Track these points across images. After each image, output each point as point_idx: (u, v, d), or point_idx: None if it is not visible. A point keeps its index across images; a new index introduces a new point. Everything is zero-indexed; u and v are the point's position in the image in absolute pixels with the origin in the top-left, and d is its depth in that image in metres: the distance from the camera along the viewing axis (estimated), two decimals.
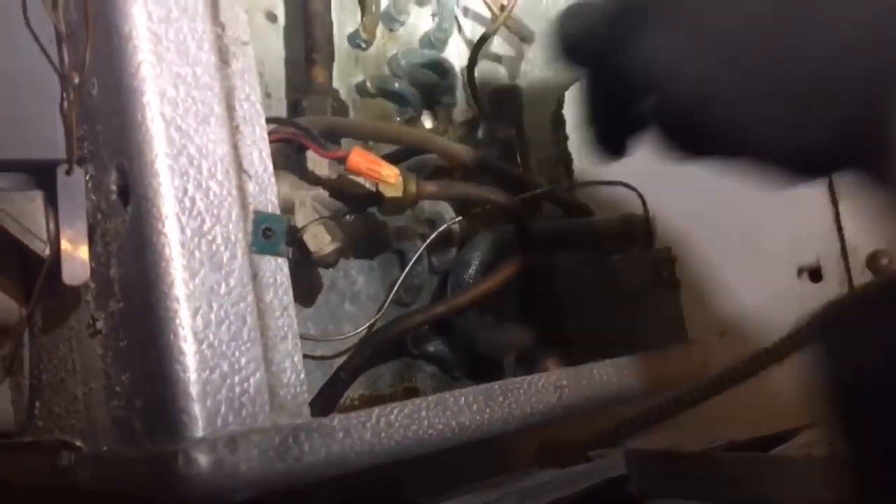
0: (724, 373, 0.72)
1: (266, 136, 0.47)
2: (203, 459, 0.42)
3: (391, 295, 0.64)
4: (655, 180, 0.78)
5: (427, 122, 0.81)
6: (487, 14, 0.82)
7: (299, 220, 0.56)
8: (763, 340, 0.70)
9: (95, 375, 0.51)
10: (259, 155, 0.47)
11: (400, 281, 0.64)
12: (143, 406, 0.46)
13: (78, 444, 0.54)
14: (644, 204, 0.69)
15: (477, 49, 0.69)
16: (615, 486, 0.78)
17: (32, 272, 0.60)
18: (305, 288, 0.67)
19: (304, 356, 0.68)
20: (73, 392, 0.55)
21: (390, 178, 0.52)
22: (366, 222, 0.71)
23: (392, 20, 0.79)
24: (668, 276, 0.68)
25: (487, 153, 0.69)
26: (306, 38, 0.63)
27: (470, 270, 0.65)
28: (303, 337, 0.66)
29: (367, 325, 0.65)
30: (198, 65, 0.46)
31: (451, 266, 0.67)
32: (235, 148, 0.46)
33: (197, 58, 0.46)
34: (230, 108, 0.47)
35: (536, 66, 0.79)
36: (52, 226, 0.49)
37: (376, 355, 0.67)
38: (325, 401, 0.62)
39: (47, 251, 0.49)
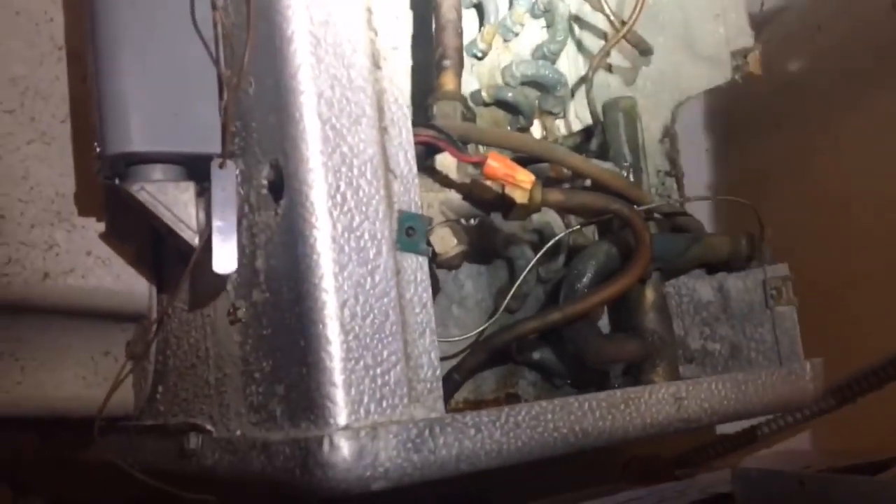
0: (834, 391, 0.71)
1: (412, 139, 0.49)
2: (346, 446, 0.44)
3: (504, 303, 0.65)
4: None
5: (536, 132, 0.82)
6: (601, 25, 0.83)
7: None
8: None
9: (232, 362, 0.54)
10: (405, 156, 0.49)
11: (514, 288, 0.64)
12: (286, 392, 0.47)
13: (208, 427, 0.56)
14: (760, 221, 0.69)
15: (596, 63, 0.70)
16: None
17: (169, 261, 0.63)
18: None
19: None
20: (205, 377, 0.58)
21: (526, 183, 0.53)
22: (479, 229, 0.72)
23: (507, 31, 0.80)
24: (783, 295, 0.67)
25: (606, 167, 0.70)
26: (437, 45, 0.64)
27: (584, 280, 0.65)
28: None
29: (479, 329, 0.66)
30: (352, 67, 0.48)
31: (564, 275, 0.68)
32: (384, 148, 0.48)
33: (352, 60, 0.48)
34: (380, 110, 0.48)
35: (651, 79, 0.79)
36: (202, 216, 0.52)
37: (490, 358, 0.68)
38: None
39: (196, 240, 0.51)
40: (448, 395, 0.65)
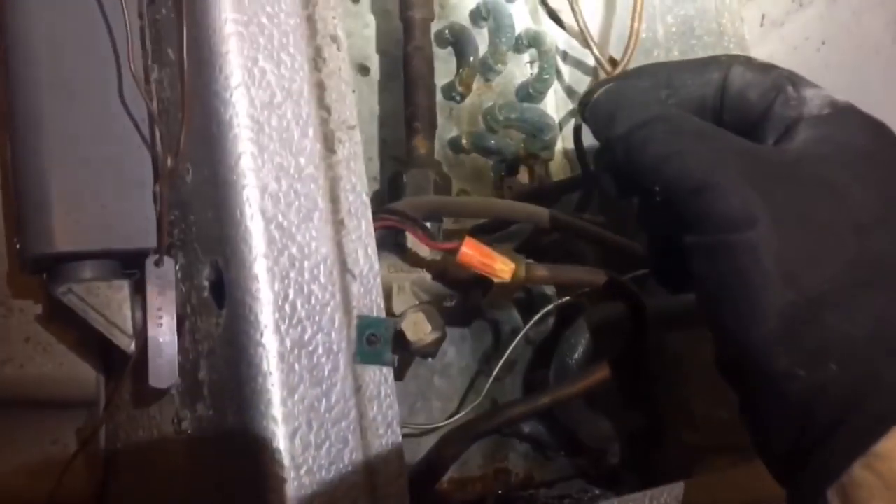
0: None
1: (372, 231, 0.43)
2: None
3: (490, 380, 0.59)
4: None
5: (523, 177, 0.76)
6: (588, 60, 0.77)
7: (397, 306, 0.52)
8: None
9: (180, 473, 0.48)
10: (365, 252, 0.43)
11: (499, 365, 0.59)
12: None
13: None
14: None
15: (585, 107, 0.64)
16: None
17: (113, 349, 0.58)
18: (400, 364, 0.63)
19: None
20: (150, 483, 0.52)
21: (504, 273, 0.47)
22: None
23: (489, 70, 0.74)
24: None
25: (595, 222, 0.64)
26: (407, 104, 0.58)
27: (576, 355, 0.59)
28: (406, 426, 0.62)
29: (461, 413, 0.60)
30: (302, 154, 0.42)
31: (555, 347, 0.62)
32: (340, 245, 0.42)
33: (301, 146, 0.42)
34: (335, 201, 0.42)
35: None
36: (139, 316, 0.46)
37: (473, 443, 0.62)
38: (419, 489, 0.57)
39: (133, 347, 0.45)
40: (430, 483, 0.59)
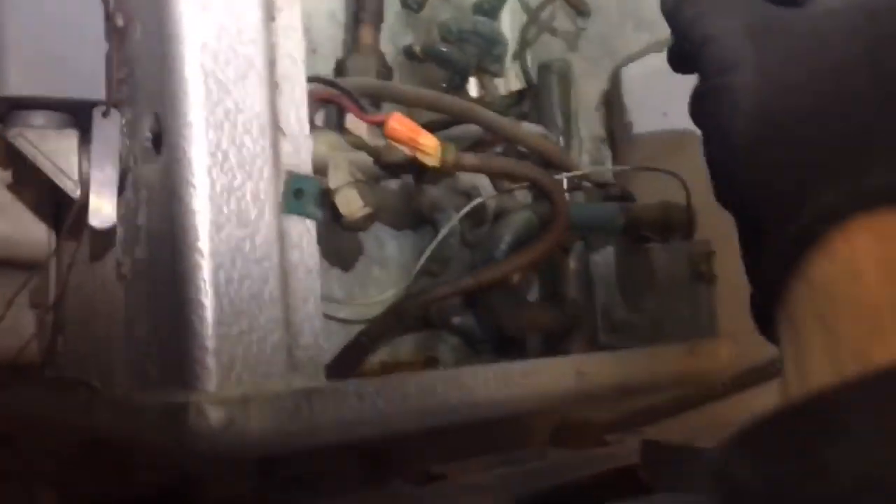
0: (750, 371, 0.70)
1: (305, 97, 0.47)
2: (214, 415, 0.42)
3: (420, 263, 0.63)
4: (702, 172, 0.76)
5: (472, 91, 0.80)
6: None
7: (333, 181, 0.56)
8: None
9: (118, 319, 0.52)
10: (296, 114, 0.46)
11: (429, 250, 0.63)
12: (161, 355, 0.46)
13: (95, 384, 0.54)
14: (687, 193, 0.67)
15: (531, 20, 0.67)
16: (627, 474, 0.77)
17: (64, 209, 0.61)
18: (340, 250, 0.67)
19: (328, 317, 0.68)
20: (95, 333, 0.56)
21: (429, 148, 0.51)
22: (401, 190, 0.70)
23: None
24: (705, 269, 0.66)
25: (531, 130, 0.68)
26: None
27: (501, 247, 0.64)
28: (327, 298, 0.66)
29: (393, 291, 0.64)
30: (243, 17, 0.45)
31: (483, 241, 0.66)
32: (273, 105, 0.46)
33: (243, 10, 0.45)
34: (271, 64, 0.46)
35: (592, 42, 0.77)
36: (84, 167, 0.49)
37: (400, 324, 0.66)
38: (344, 364, 0.61)
39: (78, 192, 0.49)
40: (356, 359, 0.63)
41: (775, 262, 0.35)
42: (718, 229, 0.69)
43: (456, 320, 0.71)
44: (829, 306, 0.34)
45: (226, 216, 0.44)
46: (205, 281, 0.43)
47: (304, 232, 0.46)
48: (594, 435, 0.97)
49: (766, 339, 0.39)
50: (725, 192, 0.38)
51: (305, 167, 0.46)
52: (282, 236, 0.45)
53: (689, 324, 0.68)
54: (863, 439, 0.30)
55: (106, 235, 0.52)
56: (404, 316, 0.62)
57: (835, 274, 0.34)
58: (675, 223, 0.69)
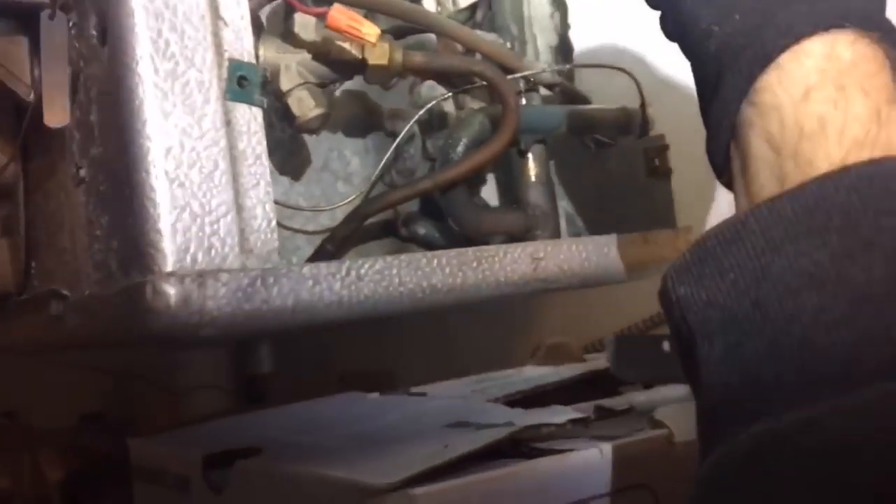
0: None
1: None
2: (170, 292, 0.43)
3: (380, 168, 0.65)
4: (655, 69, 0.77)
5: (430, 5, 0.80)
6: None
7: (284, 84, 0.57)
8: None
9: (80, 224, 0.53)
10: (237, 2, 0.47)
11: (390, 152, 0.64)
12: (119, 246, 0.47)
13: (65, 292, 0.56)
14: (640, 90, 0.69)
15: None
16: (600, 376, 0.79)
17: (32, 133, 0.62)
18: (296, 162, 0.68)
19: (295, 230, 0.70)
20: (63, 244, 0.57)
21: (370, 36, 0.52)
22: (360, 101, 0.71)
23: None
24: (660, 164, 0.68)
25: (485, 37, 0.69)
26: None
27: (458, 149, 0.65)
28: (291, 207, 0.68)
29: (353, 198, 0.65)
30: None
31: (441, 144, 0.67)
32: None
33: None
34: None
35: None
36: (37, 72, 0.50)
37: (365, 233, 0.68)
38: None
39: (32, 96, 0.50)
40: None
41: (730, 93, 0.36)
42: (672, 125, 0.71)
43: (420, 230, 0.72)
44: (777, 126, 0.35)
45: (171, 102, 0.45)
46: (154, 165, 0.44)
47: (250, 119, 0.47)
48: (572, 354, 0.99)
49: (722, 184, 0.41)
50: (681, 25, 0.38)
51: (248, 55, 0.48)
52: (229, 123, 0.47)
53: (649, 220, 0.69)
54: (802, 243, 0.32)
55: (61, 143, 0.53)
56: (365, 219, 0.63)
57: (783, 94, 0.35)
58: (630, 123, 0.70)
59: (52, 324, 0.57)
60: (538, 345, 1.02)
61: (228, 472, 0.60)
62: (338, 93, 0.67)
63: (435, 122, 0.74)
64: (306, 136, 0.68)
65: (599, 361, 0.86)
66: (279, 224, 0.65)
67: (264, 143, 0.48)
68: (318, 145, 0.70)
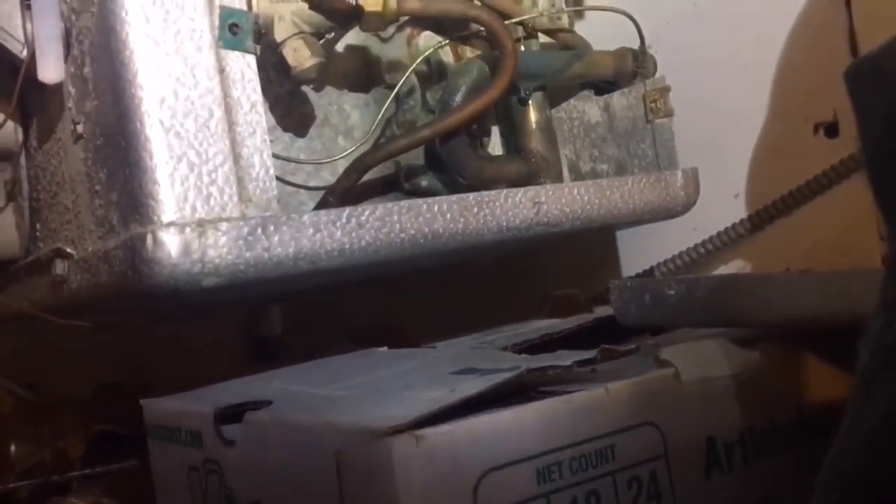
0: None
1: None
2: (170, 241, 0.44)
3: (378, 118, 0.64)
4: (656, 11, 0.76)
5: None
6: None
7: (279, 34, 0.56)
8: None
9: (80, 180, 0.53)
10: None
11: (389, 101, 0.64)
12: (119, 199, 0.47)
13: (69, 250, 0.56)
14: (640, 32, 0.68)
15: None
16: (608, 325, 0.79)
17: (30, 97, 0.62)
18: (297, 117, 0.68)
19: (298, 185, 0.70)
20: (65, 203, 0.57)
21: None
22: (359, 54, 0.70)
23: None
24: (661, 106, 0.67)
25: None
26: None
27: (457, 97, 0.64)
28: (291, 160, 0.67)
29: (352, 149, 0.65)
30: None
31: (440, 94, 0.67)
32: None
33: None
34: None
35: None
36: (29, 29, 0.50)
37: (368, 189, 0.68)
38: None
39: (25, 52, 0.50)
40: None
41: None
42: (673, 65, 0.70)
43: (423, 182, 0.72)
44: None
45: (163, 50, 0.45)
46: (149, 115, 0.44)
47: (244, 66, 0.47)
48: (580, 305, 0.99)
49: None
50: None
51: (239, 2, 0.47)
52: (222, 71, 0.46)
53: (651, 163, 0.69)
54: None
55: (58, 101, 0.53)
56: (366, 170, 0.63)
57: None
58: (631, 68, 0.69)
59: (57, 285, 0.57)
60: (545, 296, 1.02)
61: (240, 426, 0.61)
62: (338, 47, 0.66)
63: (434, 75, 0.73)
64: (307, 92, 0.67)
65: (608, 311, 0.86)
66: (281, 179, 0.66)
67: (259, 90, 0.48)
68: (318, 100, 0.70)
